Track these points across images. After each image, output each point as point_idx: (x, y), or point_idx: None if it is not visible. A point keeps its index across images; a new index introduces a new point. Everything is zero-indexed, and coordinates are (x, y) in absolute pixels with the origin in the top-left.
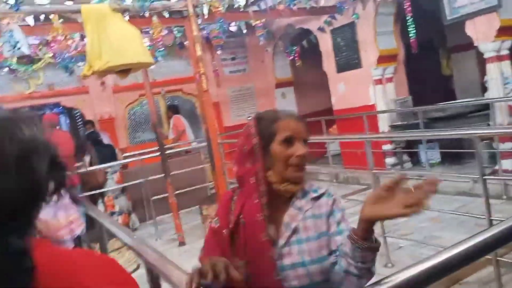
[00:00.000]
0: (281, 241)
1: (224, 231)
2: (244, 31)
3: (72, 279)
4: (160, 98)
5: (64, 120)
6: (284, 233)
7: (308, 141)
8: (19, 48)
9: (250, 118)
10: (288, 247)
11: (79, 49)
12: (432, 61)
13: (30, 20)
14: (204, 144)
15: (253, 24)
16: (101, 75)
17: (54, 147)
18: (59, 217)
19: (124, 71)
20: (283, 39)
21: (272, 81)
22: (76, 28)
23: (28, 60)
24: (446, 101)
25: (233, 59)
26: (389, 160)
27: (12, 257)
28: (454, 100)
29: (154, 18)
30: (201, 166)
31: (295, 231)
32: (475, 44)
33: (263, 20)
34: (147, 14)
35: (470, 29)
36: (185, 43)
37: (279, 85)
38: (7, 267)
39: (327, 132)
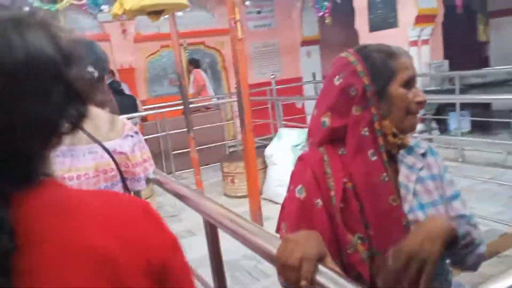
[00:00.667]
0: (406, 207)
1: (317, 201)
2: None
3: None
4: (182, 50)
5: None
6: (406, 196)
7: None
8: None
9: (273, 76)
10: (412, 214)
11: None
12: (468, 25)
13: None
14: (225, 100)
15: None
16: (132, 15)
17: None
18: (136, 153)
19: (156, 12)
20: None
21: (298, 38)
22: None
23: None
24: (479, 69)
25: (258, 12)
26: (418, 127)
27: None
28: (487, 67)
29: None
30: (221, 123)
31: (415, 194)
32: None
33: None
34: None
35: None
36: None
37: (305, 43)
38: None
39: None
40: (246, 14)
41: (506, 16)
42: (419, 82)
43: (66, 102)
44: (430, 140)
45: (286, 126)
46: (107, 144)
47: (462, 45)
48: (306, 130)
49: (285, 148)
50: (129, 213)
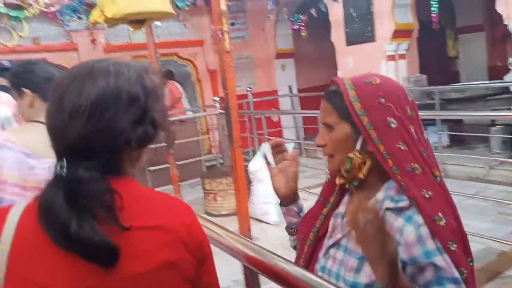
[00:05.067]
0: (330, 241)
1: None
2: None
3: (152, 211)
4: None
5: None
6: (337, 231)
7: (328, 124)
8: None
9: (249, 89)
10: (334, 249)
11: None
12: (438, 40)
13: None
14: (203, 113)
15: None
16: (113, 24)
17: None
18: None
19: (138, 21)
20: (288, 7)
21: (272, 51)
22: None
23: (13, 6)
24: (450, 84)
25: (232, 24)
26: None
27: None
28: (458, 82)
29: None
30: (197, 137)
31: (347, 234)
32: (505, 23)
33: None
34: None
35: (501, 5)
36: None
37: (280, 55)
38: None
39: None
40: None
41: (473, 32)
42: None
43: (137, 122)
44: None
45: (268, 140)
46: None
47: (434, 60)
48: (290, 145)
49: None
50: (182, 206)
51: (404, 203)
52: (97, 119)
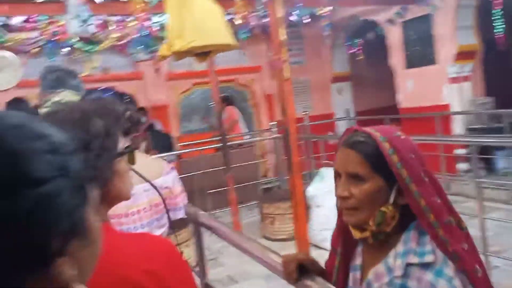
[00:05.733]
0: None
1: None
2: (307, 20)
3: (128, 260)
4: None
5: None
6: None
7: (357, 175)
8: (87, 25)
9: (306, 112)
10: None
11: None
12: (506, 61)
13: None
14: (260, 138)
15: (318, 13)
16: (180, 57)
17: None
18: (176, 186)
19: (203, 53)
20: (345, 31)
21: (328, 75)
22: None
23: (86, 40)
24: None
25: (289, 50)
26: (461, 166)
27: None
28: None
29: None
30: (255, 161)
31: None
32: None
33: (330, 9)
34: None
35: None
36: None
37: (336, 79)
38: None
39: None
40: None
41: None
42: (463, 120)
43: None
44: (479, 181)
45: (327, 165)
46: (155, 182)
47: (501, 81)
48: None
49: (330, 189)
50: (155, 252)
51: (430, 257)
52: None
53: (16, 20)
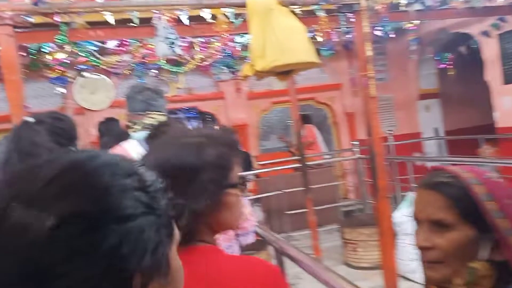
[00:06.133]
0: None
1: None
2: (392, 35)
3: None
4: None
5: (197, 125)
6: None
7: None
8: (175, 47)
9: (390, 131)
10: None
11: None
12: None
13: (184, 19)
14: (340, 158)
15: (404, 27)
16: (261, 76)
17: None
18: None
19: (284, 72)
20: (432, 45)
21: (414, 92)
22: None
23: (172, 62)
24: None
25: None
26: None
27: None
28: None
29: (322, 14)
30: (334, 183)
31: None
32: None
33: (417, 22)
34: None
35: None
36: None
37: (423, 96)
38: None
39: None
40: (356, 69)
41: None
42: None
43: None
44: None
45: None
46: None
47: None
48: None
49: None
50: (261, 277)
51: None
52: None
53: (110, 44)
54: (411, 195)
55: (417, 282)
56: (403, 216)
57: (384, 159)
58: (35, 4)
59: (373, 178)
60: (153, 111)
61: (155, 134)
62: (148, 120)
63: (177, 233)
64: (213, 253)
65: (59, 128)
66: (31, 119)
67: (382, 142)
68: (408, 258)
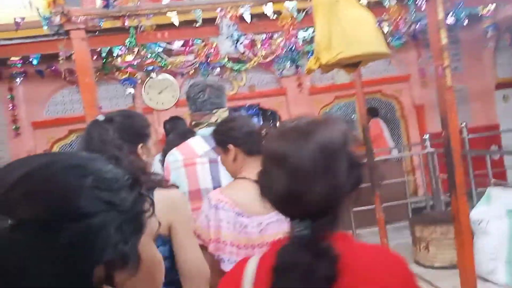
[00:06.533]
0: None
1: None
2: (465, 22)
3: (367, 273)
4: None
5: (258, 122)
6: None
7: None
8: (238, 45)
9: (463, 124)
10: None
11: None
12: None
13: (247, 16)
14: (409, 153)
15: (480, 13)
16: (327, 69)
17: None
18: None
19: (352, 64)
20: (510, 32)
21: (491, 81)
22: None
23: (235, 60)
24: None
25: None
26: None
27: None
28: None
29: (393, 2)
30: (403, 178)
31: None
32: None
33: (493, 7)
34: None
35: None
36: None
37: (501, 85)
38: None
39: None
40: (428, 59)
41: None
42: None
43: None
44: None
45: (496, 184)
46: None
47: None
48: None
49: (500, 213)
50: (398, 264)
51: None
52: (325, 176)
53: (175, 45)
54: (490, 191)
55: (496, 283)
56: (481, 214)
57: (460, 155)
58: (106, 7)
59: (449, 173)
60: (216, 108)
61: (222, 130)
62: (212, 118)
63: (153, 225)
64: (346, 240)
65: (128, 126)
66: (101, 118)
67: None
68: (487, 258)
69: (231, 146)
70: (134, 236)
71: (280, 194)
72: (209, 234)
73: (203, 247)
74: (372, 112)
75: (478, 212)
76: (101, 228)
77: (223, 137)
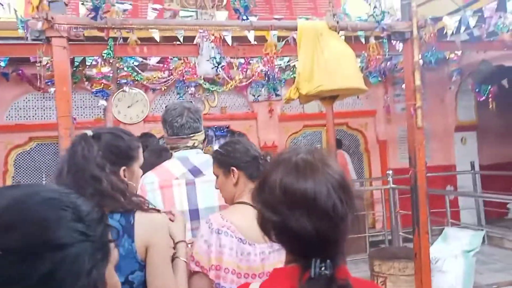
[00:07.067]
0: None
1: None
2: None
3: None
4: (324, 131)
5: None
6: None
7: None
8: (218, 67)
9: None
10: None
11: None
12: None
13: (228, 39)
14: (373, 187)
15: (448, 57)
16: (306, 100)
17: None
18: None
19: (330, 97)
20: (473, 77)
21: (451, 123)
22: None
23: (210, 80)
24: None
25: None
26: None
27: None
28: None
29: (372, 40)
30: (363, 212)
31: None
32: None
33: (460, 53)
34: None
35: None
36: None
37: (460, 128)
38: None
39: None
40: (394, 97)
41: None
42: None
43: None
44: None
45: (452, 224)
46: None
47: None
48: (480, 233)
49: (455, 253)
50: None
51: None
52: (347, 216)
53: (153, 60)
54: (446, 231)
55: None
56: (438, 252)
57: (426, 193)
58: (94, 18)
59: (414, 211)
60: (193, 133)
61: (227, 151)
62: (189, 143)
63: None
64: (348, 274)
65: (114, 146)
66: (90, 133)
67: (407, 172)
68: None
69: (234, 169)
70: (102, 264)
71: (307, 235)
72: (209, 260)
73: (199, 273)
74: (337, 144)
75: (435, 251)
76: (77, 257)
77: (228, 159)
